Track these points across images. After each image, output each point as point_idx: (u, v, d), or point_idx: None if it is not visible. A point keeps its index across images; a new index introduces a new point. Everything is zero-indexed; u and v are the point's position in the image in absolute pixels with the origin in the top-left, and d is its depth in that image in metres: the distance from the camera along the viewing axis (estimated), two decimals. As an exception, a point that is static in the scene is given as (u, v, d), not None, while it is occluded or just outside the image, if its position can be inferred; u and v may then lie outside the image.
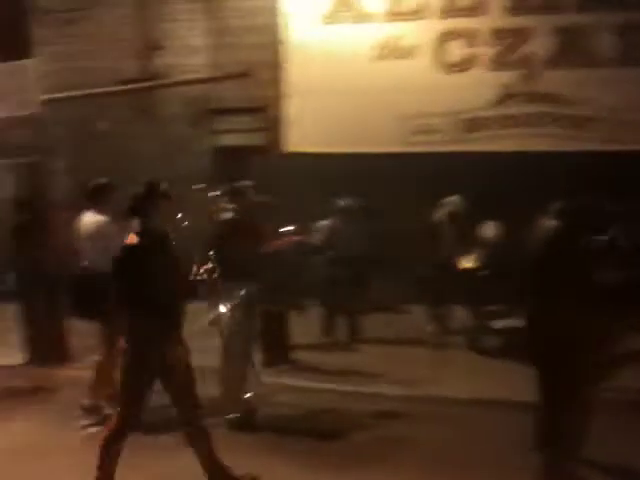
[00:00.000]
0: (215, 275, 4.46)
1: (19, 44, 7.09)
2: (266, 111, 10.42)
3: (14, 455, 5.12)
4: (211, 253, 4.89)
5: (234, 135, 10.76)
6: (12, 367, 7.02)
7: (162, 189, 4.25)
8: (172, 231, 4.33)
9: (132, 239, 4.17)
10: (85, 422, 5.51)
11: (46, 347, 7.06)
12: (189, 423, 4.37)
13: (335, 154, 9.78)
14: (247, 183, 5.72)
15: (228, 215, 5.53)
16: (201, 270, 4.43)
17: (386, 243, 9.09)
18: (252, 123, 10.66)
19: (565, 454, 4.49)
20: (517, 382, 5.36)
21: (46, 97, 7.05)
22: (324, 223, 8.01)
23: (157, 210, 4.17)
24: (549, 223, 4.51)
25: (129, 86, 8.18)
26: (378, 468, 4.91)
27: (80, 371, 6.86)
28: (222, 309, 5.31)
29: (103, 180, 5.68)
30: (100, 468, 4.21)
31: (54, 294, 7.08)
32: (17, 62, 6.85)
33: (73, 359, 7.16)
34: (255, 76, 10.14)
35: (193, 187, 6.03)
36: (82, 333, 7.47)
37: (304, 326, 7.58)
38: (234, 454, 4.97)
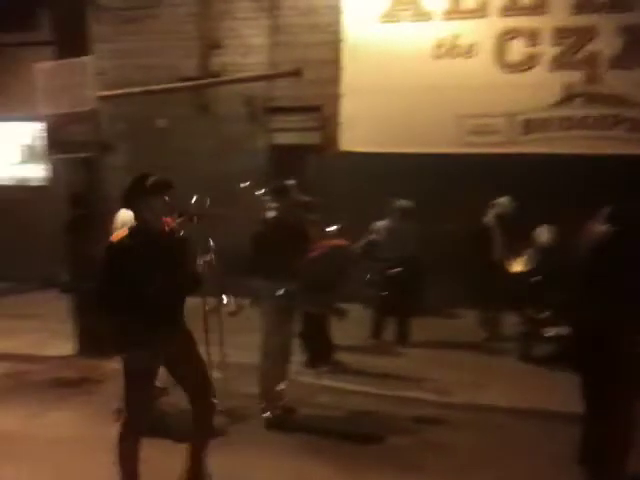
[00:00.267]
0: (213, 266, 4.30)
1: (78, 41, 7.23)
2: (322, 110, 10.37)
3: (57, 445, 5.23)
4: (211, 244, 4.80)
5: (290, 134, 10.72)
6: (63, 358, 7.18)
7: (152, 182, 3.97)
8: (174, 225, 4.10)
9: (117, 236, 4.02)
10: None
11: (96, 339, 7.17)
12: (202, 419, 4.28)
13: (391, 154, 9.71)
14: (290, 182, 5.67)
15: (271, 214, 5.50)
16: (200, 262, 4.27)
17: (439, 245, 8.97)
18: (308, 122, 10.60)
19: (609, 471, 4.30)
20: (566, 393, 5.14)
21: (102, 94, 7.17)
22: (381, 223, 7.90)
23: (147, 205, 3.95)
24: (599, 229, 4.34)
25: (182, 84, 8.23)
26: (416, 474, 4.83)
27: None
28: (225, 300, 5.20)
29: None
30: (122, 470, 4.17)
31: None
32: (76, 59, 6.98)
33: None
34: (310, 75, 10.12)
35: (240, 185, 6.01)
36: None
37: (351, 328, 7.48)
38: (270, 453, 4.99)
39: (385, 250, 7.75)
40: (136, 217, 4.04)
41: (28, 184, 11.84)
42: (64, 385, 6.51)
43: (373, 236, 7.66)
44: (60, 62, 7.02)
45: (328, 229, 6.40)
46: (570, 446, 4.60)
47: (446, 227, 9.14)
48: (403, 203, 7.95)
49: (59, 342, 7.42)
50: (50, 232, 8.80)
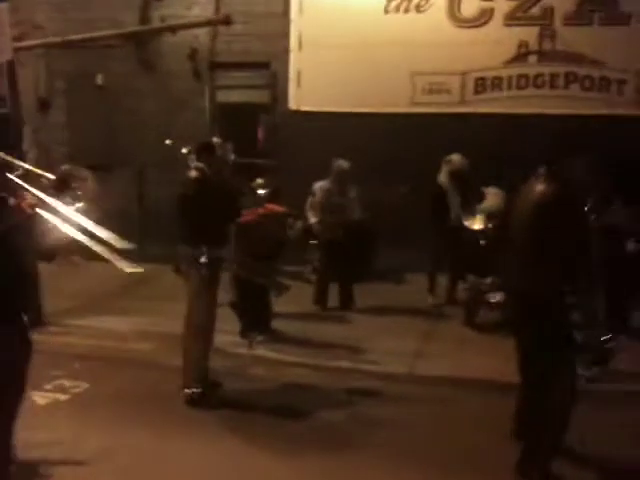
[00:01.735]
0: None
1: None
2: (271, 66, 9.91)
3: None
4: None
5: (237, 91, 10.26)
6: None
7: None
8: None
9: None
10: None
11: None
12: None
13: (341, 113, 9.33)
14: (217, 140, 5.28)
15: (193, 174, 5.10)
16: None
17: (390, 208, 8.67)
18: (256, 79, 10.14)
19: (540, 448, 4.06)
20: (508, 362, 4.91)
21: (19, 44, 6.63)
22: (320, 184, 7.52)
23: None
24: (535, 188, 4.06)
25: (101, 33, 7.67)
26: (346, 451, 4.53)
27: (52, 336, 6.64)
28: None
29: None
30: None
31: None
32: (-13, 5, 6.41)
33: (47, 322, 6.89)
34: (258, 28, 9.66)
35: (166, 142, 5.58)
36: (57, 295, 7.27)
37: (294, 294, 7.14)
38: (189, 433, 4.67)
39: (325, 213, 7.39)
40: None
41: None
42: None
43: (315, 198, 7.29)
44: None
45: (260, 192, 6.03)
46: (509, 419, 4.39)
47: (398, 189, 8.86)
48: (342, 164, 7.55)
49: None
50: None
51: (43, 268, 7.40)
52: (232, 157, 5.42)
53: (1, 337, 3.18)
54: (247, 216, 5.82)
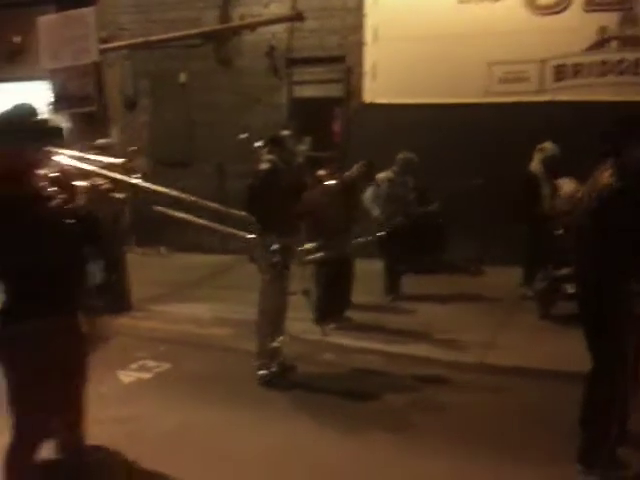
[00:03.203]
0: None
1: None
2: (346, 60, 10.02)
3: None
4: None
5: (313, 86, 10.42)
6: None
7: None
8: None
9: None
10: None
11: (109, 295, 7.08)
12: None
13: (417, 105, 9.35)
14: (286, 133, 5.45)
15: (264, 166, 5.28)
16: None
17: (469, 199, 8.60)
18: (331, 73, 10.27)
19: (592, 436, 4.01)
20: (581, 351, 4.86)
21: (105, 46, 7.00)
22: (384, 174, 7.52)
23: None
24: (604, 181, 3.97)
25: (181, 33, 7.95)
26: (407, 434, 4.60)
27: (138, 320, 7.01)
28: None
29: None
30: None
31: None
32: (76, 11, 6.81)
33: (134, 308, 7.27)
34: (333, 23, 9.81)
35: (240, 136, 5.78)
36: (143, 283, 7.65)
37: (370, 284, 7.32)
38: (258, 411, 4.86)
39: (389, 204, 7.44)
40: None
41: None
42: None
43: (374, 211, 7.37)
44: (61, 14, 6.87)
45: (328, 182, 6.17)
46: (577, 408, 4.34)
47: (472, 180, 8.80)
48: (411, 155, 7.59)
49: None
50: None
51: (131, 258, 7.94)
52: (303, 149, 5.56)
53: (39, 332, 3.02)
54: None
